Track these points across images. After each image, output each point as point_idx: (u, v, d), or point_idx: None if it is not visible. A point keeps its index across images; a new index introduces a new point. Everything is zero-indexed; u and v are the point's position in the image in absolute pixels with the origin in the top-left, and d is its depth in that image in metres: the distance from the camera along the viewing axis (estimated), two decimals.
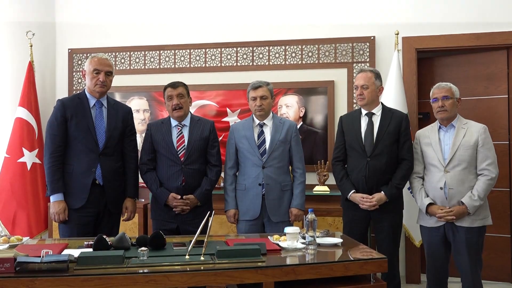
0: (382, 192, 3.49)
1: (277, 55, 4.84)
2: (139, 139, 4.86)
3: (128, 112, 3.62)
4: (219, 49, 4.94)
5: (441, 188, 3.36)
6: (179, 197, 3.49)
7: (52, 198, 3.34)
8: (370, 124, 3.59)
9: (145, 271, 2.36)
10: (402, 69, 4.53)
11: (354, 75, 3.70)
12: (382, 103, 3.68)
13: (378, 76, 3.62)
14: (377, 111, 3.61)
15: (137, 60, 5.06)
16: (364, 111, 3.64)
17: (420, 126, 4.30)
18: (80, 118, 3.36)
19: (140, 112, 5.01)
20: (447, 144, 3.40)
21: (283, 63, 4.83)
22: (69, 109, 3.37)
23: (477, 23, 4.52)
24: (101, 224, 3.42)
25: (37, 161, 4.57)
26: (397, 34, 4.51)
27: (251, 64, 4.88)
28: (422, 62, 4.81)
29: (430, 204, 3.41)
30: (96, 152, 3.37)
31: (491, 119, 4.46)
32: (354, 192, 3.55)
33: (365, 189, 3.53)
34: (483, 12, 4.52)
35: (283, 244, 2.82)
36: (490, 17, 4.50)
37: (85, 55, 5.11)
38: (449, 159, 3.35)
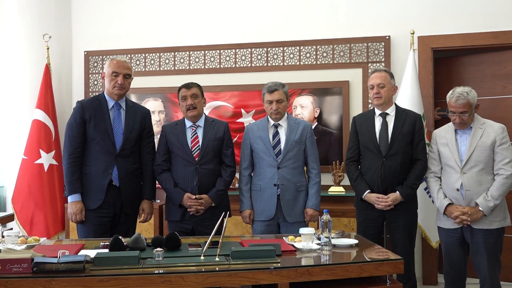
0: (397, 192, 3.47)
1: (291, 56, 4.83)
2: (155, 140, 4.89)
3: (146, 114, 3.66)
4: (233, 50, 4.94)
5: (457, 190, 3.32)
6: (194, 197, 3.50)
7: (69, 199, 3.39)
8: (385, 124, 3.58)
9: (160, 271, 2.37)
10: (418, 69, 4.48)
11: (369, 75, 3.68)
12: (395, 104, 3.67)
13: (392, 76, 3.63)
14: (391, 111, 3.60)
15: (152, 61, 5.09)
16: (378, 112, 3.63)
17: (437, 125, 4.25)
18: (99, 120, 3.41)
19: (155, 114, 5.03)
20: (464, 145, 3.36)
21: (298, 63, 4.82)
22: (88, 110, 3.42)
23: (494, 21, 4.45)
24: (118, 225, 3.46)
25: (54, 162, 4.62)
26: (413, 33, 4.46)
27: (265, 64, 4.88)
28: (438, 61, 4.76)
29: (448, 204, 3.37)
30: (113, 154, 3.41)
31: (509, 119, 4.39)
32: (369, 192, 3.53)
33: (380, 189, 3.51)
34: (500, 11, 4.46)
35: (298, 245, 2.82)
36: (508, 15, 4.44)
37: (101, 57, 5.15)
38: (466, 160, 3.31)
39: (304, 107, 4.76)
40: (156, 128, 4.92)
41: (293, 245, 2.83)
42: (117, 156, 3.42)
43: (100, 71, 5.13)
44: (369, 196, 3.53)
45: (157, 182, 3.68)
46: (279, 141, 3.63)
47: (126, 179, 3.45)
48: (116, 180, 3.41)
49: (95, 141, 3.41)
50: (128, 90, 3.57)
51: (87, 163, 3.42)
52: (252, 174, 3.73)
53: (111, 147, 3.41)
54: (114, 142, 3.42)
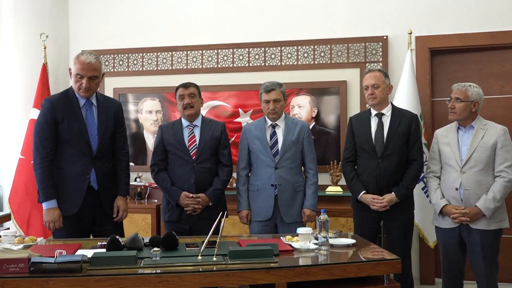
0: (393, 192, 3.47)
1: (289, 56, 4.83)
2: (152, 140, 4.88)
3: (119, 108, 3.47)
4: (231, 50, 4.94)
5: (456, 189, 3.32)
6: (191, 195, 3.50)
7: (45, 205, 3.19)
8: (380, 124, 3.57)
9: (157, 271, 2.36)
10: (416, 69, 4.48)
11: (364, 75, 3.68)
12: (391, 103, 3.67)
13: (386, 75, 3.63)
14: (387, 111, 3.60)
15: (150, 61, 5.08)
16: (374, 112, 3.63)
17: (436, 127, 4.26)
18: (72, 121, 3.20)
19: (153, 113, 5.03)
20: (465, 145, 3.36)
21: (295, 63, 4.82)
22: (59, 110, 3.20)
23: (492, 21, 4.46)
24: (100, 227, 3.31)
25: None
26: (410, 33, 4.47)
27: (263, 64, 4.88)
28: (435, 59, 4.72)
29: (445, 205, 3.37)
30: (89, 156, 3.24)
31: (507, 119, 4.39)
32: (364, 192, 3.53)
33: (376, 189, 3.51)
34: (497, 11, 4.46)
35: (295, 244, 2.81)
36: (505, 15, 4.45)
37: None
38: (466, 159, 3.31)
39: (301, 107, 4.76)
40: (153, 128, 4.95)
41: (290, 245, 2.82)
42: (95, 159, 3.24)
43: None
44: (364, 197, 3.53)
45: (152, 181, 3.65)
46: (276, 141, 3.63)
47: (104, 181, 3.30)
48: (95, 183, 3.25)
49: (69, 143, 3.20)
50: (97, 89, 3.33)
51: (61, 166, 3.22)
52: (249, 174, 3.73)
53: (87, 149, 3.22)
54: (90, 144, 3.23)
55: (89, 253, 2.52)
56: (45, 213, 3.20)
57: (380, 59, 4.65)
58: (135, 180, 4.80)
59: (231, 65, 4.94)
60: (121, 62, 5.10)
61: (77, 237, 3.21)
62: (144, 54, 5.09)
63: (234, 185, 3.94)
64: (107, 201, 3.35)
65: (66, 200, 3.21)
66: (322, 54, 4.77)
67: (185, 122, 3.65)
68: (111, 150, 3.40)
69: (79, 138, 3.21)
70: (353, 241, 2.94)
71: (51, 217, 3.18)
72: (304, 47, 4.80)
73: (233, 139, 4.57)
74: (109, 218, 3.37)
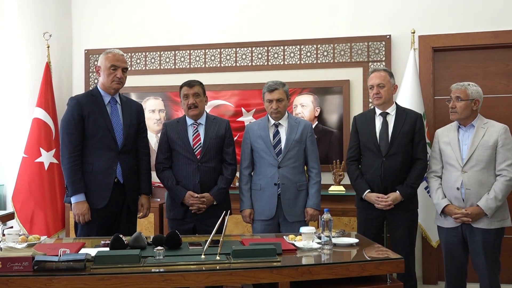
0: (398, 191, 3.48)
1: (292, 55, 4.83)
2: (155, 139, 4.89)
3: (140, 108, 3.62)
4: (234, 49, 4.94)
5: (457, 189, 3.32)
6: (196, 195, 3.50)
7: (74, 199, 3.27)
8: (385, 124, 3.58)
9: (161, 270, 2.37)
10: (419, 68, 4.48)
11: (369, 74, 3.68)
12: (396, 103, 3.67)
13: (391, 75, 3.63)
14: (392, 110, 3.60)
15: (153, 60, 5.09)
16: (378, 111, 3.63)
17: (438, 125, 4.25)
18: (97, 116, 3.32)
19: (156, 112, 5.03)
20: (466, 144, 3.36)
21: (298, 62, 4.82)
22: (85, 106, 3.32)
23: (495, 20, 4.45)
24: (121, 223, 3.39)
25: (54, 161, 4.61)
26: (413, 32, 4.46)
27: (266, 64, 4.87)
28: (438, 58, 4.69)
29: (447, 204, 3.37)
30: (115, 150, 3.34)
31: (511, 117, 4.39)
32: (369, 191, 3.53)
33: (380, 188, 3.52)
34: (501, 10, 4.46)
35: (298, 244, 2.81)
36: (509, 14, 4.44)
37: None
38: (467, 159, 3.31)
39: (304, 106, 4.76)
40: (156, 127, 4.96)
41: (293, 244, 2.82)
42: (120, 153, 3.36)
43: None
44: (369, 195, 3.54)
45: (157, 180, 3.67)
46: (279, 140, 3.63)
47: (130, 175, 3.41)
48: (120, 177, 3.35)
49: (95, 137, 3.31)
50: (124, 84, 3.47)
51: (88, 160, 3.31)
52: (252, 173, 3.73)
53: (112, 144, 3.33)
54: (115, 138, 3.35)
55: (92, 251, 2.53)
56: (74, 206, 3.28)
57: (383, 59, 4.65)
58: None
59: (234, 64, 4.94)
60: None
61: (100, 231, 3.29)
62: (147, 53, 5.09)
63: (237, 184, 3.94)
64: (132, 197, 3.44)
65: (95, 194, 3.30)
66: (325, 53, 4.77)
67: (189, 120, 3.65)
68: (135, 147, 3.51)
69: (105, 132, 3.32)
70: (356, 240, 2.94)
71: (80, 210, 3.26)
72: (307, 47, 4.80)
73: (236, 138, 4.56)
74: (130, 216, 3.46)
